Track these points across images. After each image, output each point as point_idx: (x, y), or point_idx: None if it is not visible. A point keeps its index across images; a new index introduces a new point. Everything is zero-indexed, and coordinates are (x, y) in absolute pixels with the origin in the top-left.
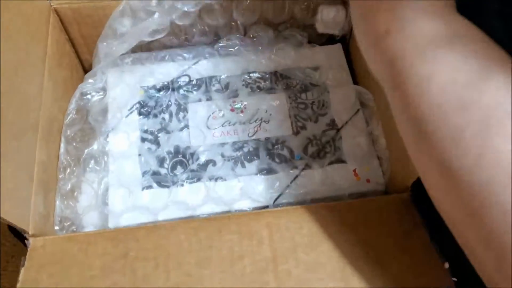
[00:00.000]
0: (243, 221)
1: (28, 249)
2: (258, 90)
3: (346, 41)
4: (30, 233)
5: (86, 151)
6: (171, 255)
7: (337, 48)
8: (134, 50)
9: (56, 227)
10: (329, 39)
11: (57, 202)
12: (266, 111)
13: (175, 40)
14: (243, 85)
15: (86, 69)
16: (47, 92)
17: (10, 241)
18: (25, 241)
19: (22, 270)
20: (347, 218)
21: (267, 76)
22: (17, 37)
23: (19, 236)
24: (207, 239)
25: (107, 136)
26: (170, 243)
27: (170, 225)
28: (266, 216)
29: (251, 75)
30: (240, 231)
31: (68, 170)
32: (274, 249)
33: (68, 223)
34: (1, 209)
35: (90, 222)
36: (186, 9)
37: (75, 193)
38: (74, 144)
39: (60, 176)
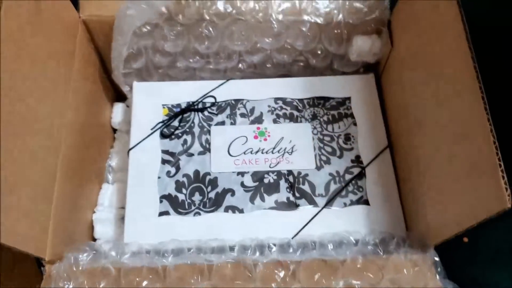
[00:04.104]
0: None
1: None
2: (284, 118)
3: (378, 71)
4: (46, 259)
5: (106, 164)
6: None
7: (370, 78)
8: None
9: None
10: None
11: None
12: (290, 141)
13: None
14: (268, 111)
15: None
16: (71, 105)
17: None
18: (41, 267)
19: None
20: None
21: (294, 104)
22: (47, 46)
23: None
24: None
25: (128, 154)
26: None
27: None
28: None
29: (278, 101)
30: None
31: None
32: None
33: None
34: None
35: (105, 236)
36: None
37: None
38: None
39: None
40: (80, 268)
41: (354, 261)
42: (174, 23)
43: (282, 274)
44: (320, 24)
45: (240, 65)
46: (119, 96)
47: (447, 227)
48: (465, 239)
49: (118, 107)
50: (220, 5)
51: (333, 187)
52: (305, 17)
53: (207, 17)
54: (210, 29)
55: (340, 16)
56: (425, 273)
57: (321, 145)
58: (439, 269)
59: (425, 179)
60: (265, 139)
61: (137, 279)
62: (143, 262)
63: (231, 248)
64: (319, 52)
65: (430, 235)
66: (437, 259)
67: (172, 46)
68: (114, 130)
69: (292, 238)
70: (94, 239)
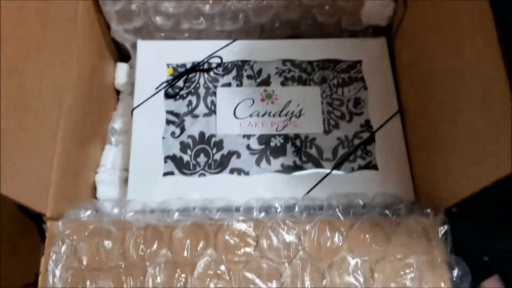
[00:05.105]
0: None
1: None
2: (292, 81)
3: (390, 34)
4: (48, 216)
5: (109, 126)
6: None
7: (381, 42)
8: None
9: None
10: (372, 31)
11: (76, 178)
12: (298, 104)
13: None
14: (276, 73)
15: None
16: (74, 65)
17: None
18: (43, 224)
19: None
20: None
21: (303, 66)
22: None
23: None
24: None
25: (132, 113)
26: None
27: None
28: None
29: (286, 63)
30: None
31: (91, 144)
32: None
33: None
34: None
35: (107, 198)
36: None
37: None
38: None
39: (80, 151)
40: (83, 227)
41: (361, 224)
42: None
43: (287, 237)
44: None
45: (246, 26)
46: (123, 58)
47: (457, 191)
48: (454, 210)
49: (122, 68)
50: None
51: (341, 151)
52: None
53: None
54: None
55: None
56: (432, 239)
57: (330, 109)
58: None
59: (437, 143)
60: (272, 102)
61: (141, 239)
62: (146, 220)
63: (237, 209)
64: (327, 7)
65: (440, 199)
66: (446, 226)
67: (174, 6)
68: (118, 93)
69: (295, 203)
70: None
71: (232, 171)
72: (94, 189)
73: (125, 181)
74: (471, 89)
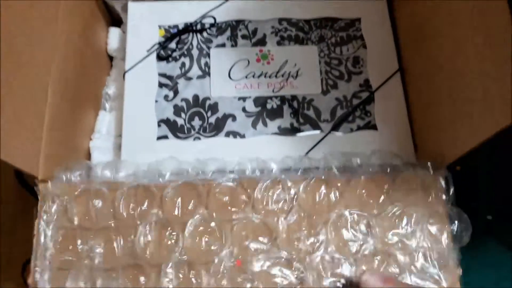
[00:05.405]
0: None
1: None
2: (288, 40)
3: None
4: (39, 178)
5: (103, 92)
6: None
7: (382, 1)
8: None
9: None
10: None
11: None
12: (295, 64)
13: None
14: (272, 32)
15: None
16: (62, 28)
17: None
18: (35, 187)
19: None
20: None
21: (300, 25)
22: None
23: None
24: None
25: (123, 76)
26: None
27: None
28: None
29: (282, 22)
30: None
31: (85, 110)
32: None
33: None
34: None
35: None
36: None
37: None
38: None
39: (73, 116)
40: (73, 188)
41: (358, 180)
42: None
43: (282, 194)
44: None
45: None
46: (116, 23)
47: (459, 145)
48: (458, 168)
49: (114, 33)
50: None
51: (339, 112)
52: None
53: None
54: None
55: None
56: (432, 193)
57: (328, 68)
58: (449, 191)
59: (438, 101)
60: (268, 63)
61: (131, 198)
62: (139, 181)
63: (231, 171)
64: None
65: (442, 155)
66: (447, 179)
67: None
68: (111, 59)
69: (293, 166)
70: None
71: (227, 134)
72: (89, 156)
73: (119, 147)
74: (473, 37)
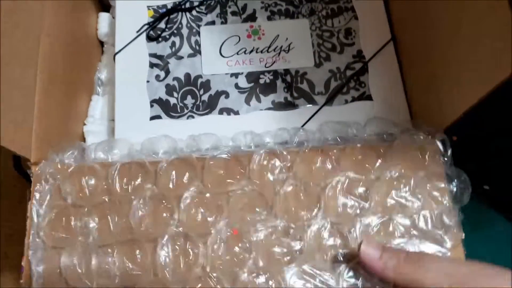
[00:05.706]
0: None
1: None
2: (279, 14)
3: None
4: (32, 161)
5: (95, 77)
6: None
7: None
8: None
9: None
10: None
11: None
12: (287, 38)
13: None
14: (262, 7)
15: None
16: (50, 11)
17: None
18: (28, 170)
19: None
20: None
21: None
22: None
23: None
24: None
25: (114, 59)
26: None
27: None
28: None
29: None
30: None
31: (78, 95)
32: None
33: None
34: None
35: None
36: None
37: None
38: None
39: (65, 100)
40: (66, 167)
41: (355, 147)
42: None
43: (278, 164)
44: None
45: None
46: (106, 9)
47: (456, 107)
48: (455, 138)
49: (103, 18)
50: None
51: (333, 84)
52: None
53: None
54: None
55: None
56: (429, 155)
57: (320, 41)
58: (447, 153)
59: (432, 65)
60: (259, 38)
61: (125, 174)
62: (132, 159)
63: (226, 146)
64: None
65: (439, 119)
66: (444, 141)
67: None
68: (102, 44)
69: (289, 140)
70: None
71: (221, 112)
72: (83, 140)
73: (113, 131)
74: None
